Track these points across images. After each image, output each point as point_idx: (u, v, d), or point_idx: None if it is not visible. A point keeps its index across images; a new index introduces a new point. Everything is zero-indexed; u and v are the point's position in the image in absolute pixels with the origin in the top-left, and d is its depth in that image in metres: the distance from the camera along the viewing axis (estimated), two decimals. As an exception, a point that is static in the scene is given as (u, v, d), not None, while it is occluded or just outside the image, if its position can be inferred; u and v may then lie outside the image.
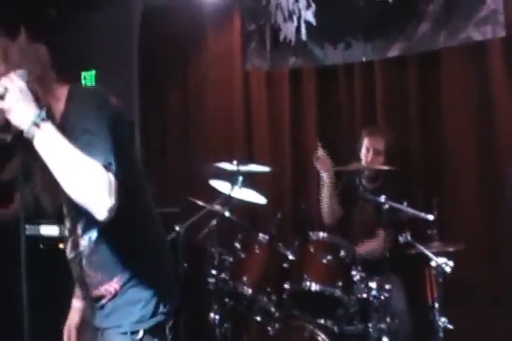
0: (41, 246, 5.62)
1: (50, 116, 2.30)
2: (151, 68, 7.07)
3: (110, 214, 2.20)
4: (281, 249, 4.96)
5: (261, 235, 4.99)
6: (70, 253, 2.65)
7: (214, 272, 4.95)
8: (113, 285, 2.56)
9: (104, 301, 2.59)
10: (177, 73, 6.95)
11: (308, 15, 6.13)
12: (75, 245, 2.58)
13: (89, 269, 2.59)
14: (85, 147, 2.22)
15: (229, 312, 5.03)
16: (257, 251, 4.98)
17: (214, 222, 5.08)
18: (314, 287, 4.64)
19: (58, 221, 5.66)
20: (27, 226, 5.92)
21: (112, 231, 2.49)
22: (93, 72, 7.68)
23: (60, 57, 2.61)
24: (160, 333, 2.61)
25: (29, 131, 2.20)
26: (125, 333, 2.54)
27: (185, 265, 5.13)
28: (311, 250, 4.85)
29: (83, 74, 7.68)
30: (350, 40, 5.96)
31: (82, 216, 2.45)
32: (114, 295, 2.57)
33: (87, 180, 2.17)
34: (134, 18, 7.26)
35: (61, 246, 5.76)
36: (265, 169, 5.50)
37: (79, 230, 2.55)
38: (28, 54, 2.39)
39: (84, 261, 2.59)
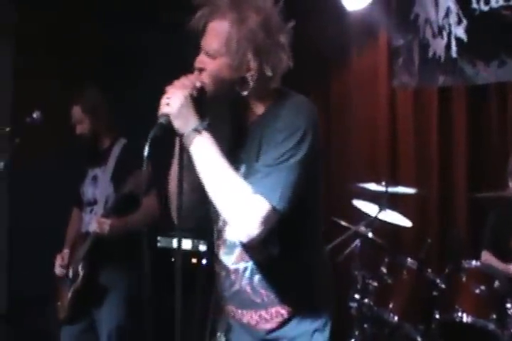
0: (173, 259, 5.55)
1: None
2: (286, 83, 6.87)
3: (249, 241, 2.22)
4: (430, 275, 4.82)
5: (409, 260, 4.85)
6: (234, 264, 2.45)
7: (357, 296, 4.84)
8: (286, 309, 2.45)
9: (273, 326, 2.46)
10: (317, 90, 6.74)
11: (459, 32, 5.91)
12: (242, 257, 2.42)
13: (261, 287, 2.44)
14: (263, 177, 2.23)
15: (370, 339, 4.89)
16: (405, 276, 4.85)
17: (357, 243, 5.00)
18: (466, 319, 4.50)
19: (194, 235, 5.65)
20: (159, 239, 5.90)
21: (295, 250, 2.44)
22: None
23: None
24: None
25: (189, 135, 2.24)
26: None
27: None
28: (463, 279, 4.71)
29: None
30: (505, 58, 5.70)
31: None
32: (288, 319, 2.46)
33: (234, 200, 2.19)
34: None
35: (194, 260, 5.71)
36: (412, 191, 5.38)
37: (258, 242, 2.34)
38: None
39: (256, 277, 2.43)
